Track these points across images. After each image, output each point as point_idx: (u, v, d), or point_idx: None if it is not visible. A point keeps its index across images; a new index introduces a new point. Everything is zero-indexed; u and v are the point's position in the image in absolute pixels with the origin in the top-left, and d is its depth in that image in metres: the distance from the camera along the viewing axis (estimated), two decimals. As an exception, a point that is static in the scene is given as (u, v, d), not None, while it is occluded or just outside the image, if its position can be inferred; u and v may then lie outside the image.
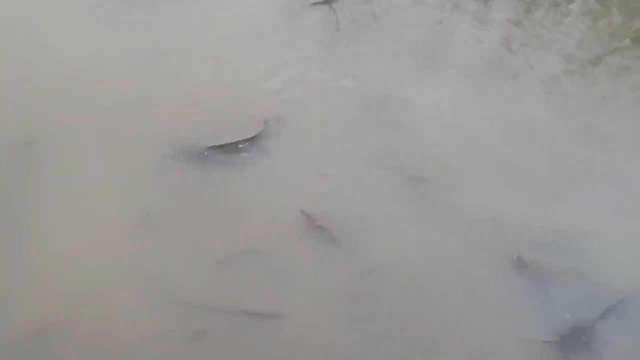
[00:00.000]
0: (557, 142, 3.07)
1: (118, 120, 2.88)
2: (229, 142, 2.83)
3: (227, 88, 3.08)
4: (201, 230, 2.60)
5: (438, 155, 2.92)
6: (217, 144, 2.83)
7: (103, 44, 3.21)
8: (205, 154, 2.80)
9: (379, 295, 2.47)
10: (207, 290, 2.45)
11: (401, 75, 3.26)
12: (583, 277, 2.54)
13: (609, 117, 3.17)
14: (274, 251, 2.55)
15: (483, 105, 3.25)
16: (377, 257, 2.55)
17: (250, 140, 2.86)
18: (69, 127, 2.84)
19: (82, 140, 2.80)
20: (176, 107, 2.99)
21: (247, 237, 2.58)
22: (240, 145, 2.84)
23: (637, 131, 3.13)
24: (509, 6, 3.73)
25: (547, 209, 2.77)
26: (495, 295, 2.53)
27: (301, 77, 3.19)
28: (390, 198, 2.75)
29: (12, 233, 2.53)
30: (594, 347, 2.39)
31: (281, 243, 2.57)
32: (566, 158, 2.98)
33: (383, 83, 3.21)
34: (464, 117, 3.12)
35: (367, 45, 3.43)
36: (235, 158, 2.82)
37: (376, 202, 2.72)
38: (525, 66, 3.44)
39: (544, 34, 3.58)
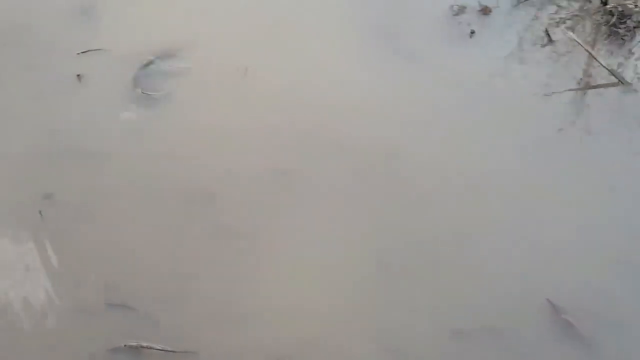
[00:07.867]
0: None
1: (370, 164, 2.90)
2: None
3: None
4: (441, 292, 2.54)
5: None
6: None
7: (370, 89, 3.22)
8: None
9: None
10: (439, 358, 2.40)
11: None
12: None
13: None
14: (514, 334, 2.43)
15: None
16: (626, 366, 2.36)
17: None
18: (323, 162, 2.90)
19: (333, 177, 2.86)
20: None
21: (487, 312, 2.49)
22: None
23: None
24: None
25: None
26: None
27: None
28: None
29: (257, 255, 2.63)
30: None
31: (522, 326, 2.45)
32: None
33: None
34: None
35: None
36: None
37: (632, 303, 2.52)
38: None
39: None
